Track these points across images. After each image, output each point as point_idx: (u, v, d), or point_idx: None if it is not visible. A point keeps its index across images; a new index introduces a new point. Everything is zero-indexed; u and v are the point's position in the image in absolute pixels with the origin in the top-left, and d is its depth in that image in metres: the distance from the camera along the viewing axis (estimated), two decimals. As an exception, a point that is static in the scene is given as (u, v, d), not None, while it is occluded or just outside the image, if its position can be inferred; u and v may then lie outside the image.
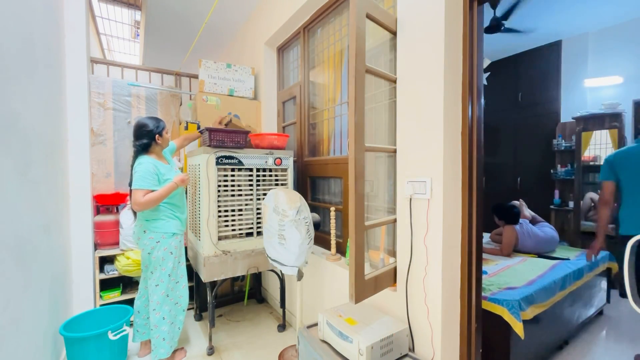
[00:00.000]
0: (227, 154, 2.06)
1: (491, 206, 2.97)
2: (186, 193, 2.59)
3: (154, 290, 1.88)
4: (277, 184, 2.29)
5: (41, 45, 1.65)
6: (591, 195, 3.53)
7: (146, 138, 1.90)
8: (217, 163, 2.03)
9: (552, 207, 3.86)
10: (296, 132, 2.69)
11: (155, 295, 1.88)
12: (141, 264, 2.04)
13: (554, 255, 2.65)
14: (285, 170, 2.31)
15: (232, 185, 2.11)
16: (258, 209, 2.20)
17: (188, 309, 2.69)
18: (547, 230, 2.84)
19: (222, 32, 3.78)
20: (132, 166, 1.89)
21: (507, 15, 3.08)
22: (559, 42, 3.87)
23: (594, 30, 3.66)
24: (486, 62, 4.17)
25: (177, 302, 1.95)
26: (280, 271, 2.18)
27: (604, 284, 2.60)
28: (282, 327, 2.40)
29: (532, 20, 3.36)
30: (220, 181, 2.06)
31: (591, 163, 3.55)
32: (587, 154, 3.56)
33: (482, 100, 1.38)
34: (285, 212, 1.70)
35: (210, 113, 2.76)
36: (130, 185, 1.86)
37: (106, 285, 2.50)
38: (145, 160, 1.86)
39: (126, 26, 4.16)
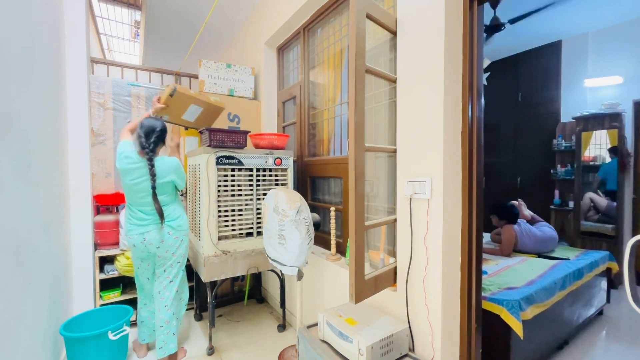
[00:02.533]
0: (227, 154, 2.06)
1: (490, 206, 2.97)
2: (186, 193, 2.60)
3: (168, 286, 1.94)
4: (277, 184, 2.28)
5: (41, 45, 1.65)
6: (591, 195, 3.53)
7: (156, 138, 1.86)
8: (217, 163, 2.03)
9: (552, 207, 3.86)
10: (296, 132, 2.69)
11: (169, 291, 1.94)
12: (148, 268, 1.97)
13: (554, 255, 2.65)
14: (285, 170, 2.31)
15: (232, 185, 2.11)
16: (258, 209, 2.20)
17: (188, 309, 2.71)
18: (546, 230, 2.84)
19: (222, 32, 3.78)
20: (152, 167, 1.81)
21: (516, 20, 3.09)
22: (559, 42, 3.87)
23: (594, 30, 3.66)
24: (486, 62, 4.16)
25: (181, 298, 2.04)
26: (280, 271, 2.18)
27: (604, 284, 2.60)
28: (282, 327, 2.40)
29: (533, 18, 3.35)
30: (220, 181, 2.06)
31: (591, 163, 3.55)
32: (587, 154, 3.56)
33: (482, 100, 1.38)
34: (285, 212, 1.70)
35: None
36: (154, 188, 1.82)
37: (106, 285, 2.50)
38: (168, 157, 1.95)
39: (126, 26, 4.16)
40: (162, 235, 1.88)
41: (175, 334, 1.95)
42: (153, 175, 1.82)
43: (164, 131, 1.92)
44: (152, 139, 1.84)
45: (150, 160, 1.83)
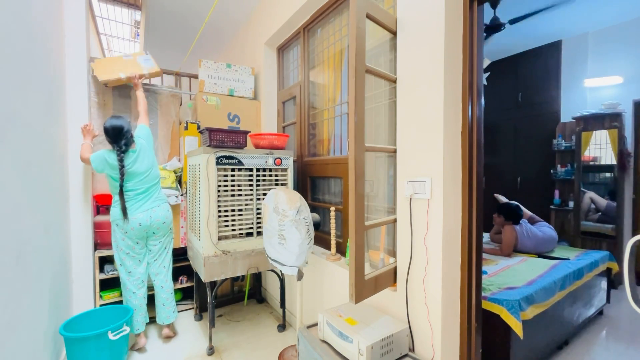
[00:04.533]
0: (227, 154, 2.06)
1: (497, 205, 2.97)
2: (186, 193, 2.60)
3: (167, 256, 2.26)
4: (277, 184, 2.28)
5: (41, 45, 1.65)
6: (591, 195, 3.53)
7: (125, 138, 2.00)
8: (217, 163, 2.03)
9: (552, 207, 3.86)
10: (296, 132, 2.69)
11: (168, 261, 2.27)
12: (142, 250, 2.15)
13: (554, 255, 2.65)
14: (285, 170, 2.31)
15: (232, 185, 2.11)
16: (258, 209, 2.20)
17: (188, 309, 2.72)
18: (545, 230, 2.84)
19: (222, 32, 3.77)
20: (122, 167, 1.97)
21: (516, 20, 3.09)
22: (559, 42, 3.87)
23: (594, 30, 3.66)
24: (486, 62, 4.16)
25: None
26: (280, 271, 2.18)
27: (604, 284, 2.60)
28: (282, 327, 2.40)
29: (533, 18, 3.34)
30: (220, 181, 2.06)
31: (591, 163, 3.55)
32: (587, 154, 3.56)
33: (482, 100, 1.38)
34: (285, 212, 1.70)
35: (210, 113, 2.76)
36: (122, 185, 2.00)
37: (106, 285, 2.50)
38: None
39: (126, 26, 4.15)
40: (165, 212, 2.16)
41: (174, 302, 2.30)
42: (122, 175, 1.97)
43: (130, 129, 2.05)
44: (122, 141, 1.98)
45: (122, 160, 1.97)
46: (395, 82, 1.49)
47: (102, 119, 2.63)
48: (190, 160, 2.39)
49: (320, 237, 2.33)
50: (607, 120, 3.36)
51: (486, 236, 3.16)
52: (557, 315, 2.05)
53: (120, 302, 2.40)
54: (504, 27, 3.06)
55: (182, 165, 2.75)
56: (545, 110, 4.00)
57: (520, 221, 2.83)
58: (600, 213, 3.48)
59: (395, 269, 1.50)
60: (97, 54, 4.15)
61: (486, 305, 1.75)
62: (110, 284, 2.52)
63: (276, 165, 2.25)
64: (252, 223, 2.19)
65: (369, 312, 1.47)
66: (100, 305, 2.31)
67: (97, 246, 2.42)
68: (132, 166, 2.01)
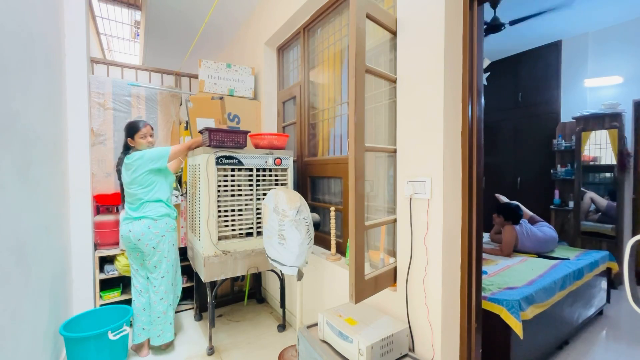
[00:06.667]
0: (227, 154, 2.06)
1: (497, 205, 2.97)
2: (186, 193, 2.60)
3: (162, 281, 2.05)
4: (277, 184, 2.28)
5: (41, 45, 1.65)
6: (591, 195, 3.53)
7: (130, 136, 2.07)
8: (217, 163, 2.03)
9: (552, 207, 3.86)
10: (296, 132, 2.69)
11: (163, 286, 2.06)
12: (135, 261, 2.10)
13: (554, 255, 2.65)
14: (285, 170, 2.31)
15: (232, 185, 2.11)
16: (258, 209, 2.20)
17: (188, 309, 2.72)
18: (546, 230, 2.84)
19: (222, 32, 3.78)
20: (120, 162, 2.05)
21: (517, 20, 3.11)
22: (559, 42, 3.87)
23: (594, 30, 3.66)
24: (486, 62, 4.17)
25: (174, 292, 2.17)
26: (280, 271, 2.18)
27: (604, 284, 2.60)
28: (282, 327, 2.40)
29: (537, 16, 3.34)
30: (220, 181, 2.06)
31: (591, 163, 3.55)
32: (587, 154, 3.56)
33: (482, 100, 1.38)
34: (285, 212, 1.70)
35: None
36: (122, 184, 2.05)
37: (106, 285, 2.50)
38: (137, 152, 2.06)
39: (126, 26, 4.16)
40: (143, 228, 1.98)
41: (172, 323, 2.12)
42: (125, 166, 2.02)
43: (127, 133, 2.07)
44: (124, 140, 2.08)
45: (121, 160, 2.05)
46: (395, 82, 1.49)
47: (102, 119, 2.64)
48: (190, 160, 2.39)
49: (320, 237, 2.33)
50: (607, 120, 3.36)
51: (486, 236, 3.16)
52: (557, 315, 2.05)
53: (121, 302, 2.40)
54: (504, 27, 3.06)
55: (182, 165, 2.75)
56: (545, 110, 4.00)
57: (520, 221, 2.82)
58: (600, 213, 3.48)
59: (395, 269, 1.50)
60: (97, 54, 4.15)
61: (486, 305, 1.75)
62: (110, 284, 2.52)
63: (276, 165, 2.25)
64: (252, 223, 2.19)
65: (369, 312, 1.47)
66: (100, 305, 2.31)
67: (97, 246, 2.42)
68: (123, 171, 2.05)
